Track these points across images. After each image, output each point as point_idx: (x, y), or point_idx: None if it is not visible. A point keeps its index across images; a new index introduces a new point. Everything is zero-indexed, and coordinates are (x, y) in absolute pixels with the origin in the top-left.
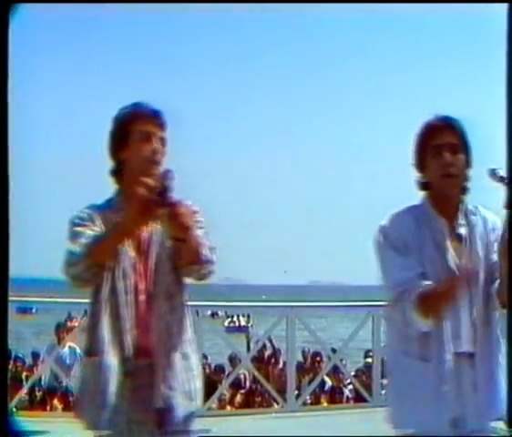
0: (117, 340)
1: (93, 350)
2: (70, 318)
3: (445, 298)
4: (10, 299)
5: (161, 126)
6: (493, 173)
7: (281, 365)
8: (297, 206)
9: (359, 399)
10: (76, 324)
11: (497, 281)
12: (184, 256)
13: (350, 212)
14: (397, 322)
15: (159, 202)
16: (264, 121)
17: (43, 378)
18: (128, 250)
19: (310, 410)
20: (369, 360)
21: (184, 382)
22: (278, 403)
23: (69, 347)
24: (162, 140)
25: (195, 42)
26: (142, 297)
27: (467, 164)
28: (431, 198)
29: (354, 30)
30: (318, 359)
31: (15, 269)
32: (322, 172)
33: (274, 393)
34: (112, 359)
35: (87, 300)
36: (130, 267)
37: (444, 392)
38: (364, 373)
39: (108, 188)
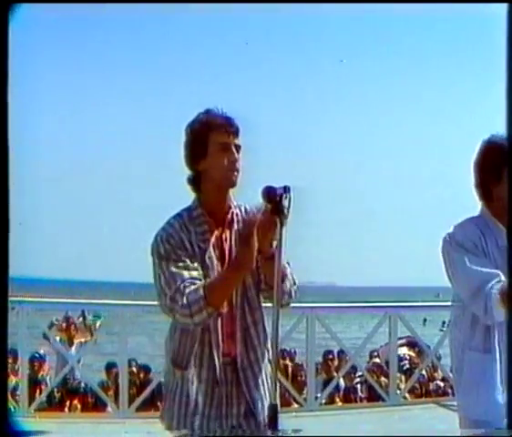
0: (206, 351)
1: (183, 361)
2: (67, 316)
3: None
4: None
5: (236, 133)
6: None
7: (290, 365)
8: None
9: (372, 398)
10: (72, 326)
11: None
12: (270, 281)
13: (347, 213)
14: (467, 320)
15: (275, 219)
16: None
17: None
18: (215, 263)
19: (328, 409)
20: (377, 360)
21: (269, 388)
22: (297, 403)
23: (76, 345)
24: (237, 147)
25: (198, 43)
26: (228, 309)
27: None
28: (492, 209)
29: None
30: (331, 357)
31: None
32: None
33: (294, 393)
34: (203, 370)
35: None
36: None
37: (506, 381)
38: (376, 373)
39: (108, 187)
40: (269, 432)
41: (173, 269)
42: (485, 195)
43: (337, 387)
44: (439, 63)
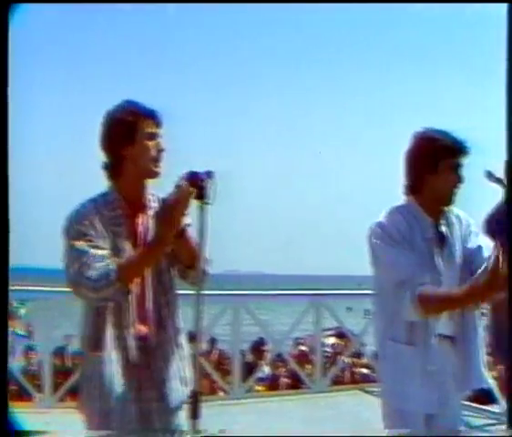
0: (121, 333)
1: (98, 345)
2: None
3: (452, 307)
4: None
5: (160, 125)
6: (489, 174)
7: (217, 353)
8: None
9: (298, 385)
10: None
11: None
12: (183, 258)
13: (273, 201)
14: (389, 310)
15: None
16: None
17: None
18: (127, 248)
19: (254, 397)
20: (302, 347)
21: (179, 370)
22: (224, 391)
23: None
24: (162, 138)
25: (198, 41)
26: (140, 290)
27: None
28: (421, 199)
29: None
30: (258, 345)
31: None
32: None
33: (220, 381)
34: (118, 352)
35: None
36: None
37: (429, 373)
38: (301, 360)
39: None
40: (190, 423)
41: (81, 246)
42: (416, 186)
43: (263, 375)
44: (438, 63)
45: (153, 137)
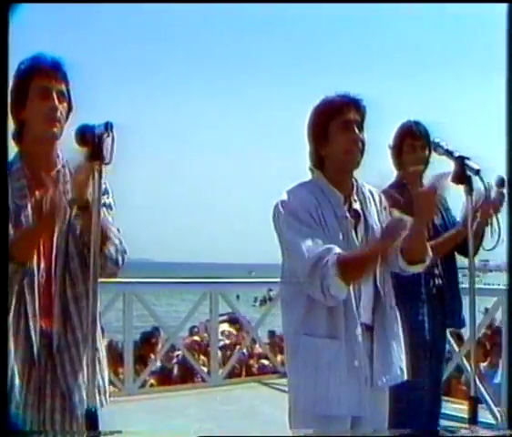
0: (22, 325)
1: None
2: None
3: (369, 263)
4: None
5: (61, 78)
6: (437, 146)
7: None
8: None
9: (193, 378)
10: None
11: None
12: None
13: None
14: (304, 300)
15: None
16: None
17: None
18: (30, 220)
19: (148, 393)
20: (196, 337)
21: (94, 375)
22: (115, 386)
23: None
24: (63, 94)
25: (198, 38)
26: (45, 279)
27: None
28: (327, 174)
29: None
30: (151, 336)
31: None
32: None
33: (111, 376)
34: (18, 347)
35: None
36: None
37: (355, 369)
38: (196, 351)
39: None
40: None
41: None
42: (317, 160)
43: (156, 368)
44: (438, 63)
45: (47, 92)
